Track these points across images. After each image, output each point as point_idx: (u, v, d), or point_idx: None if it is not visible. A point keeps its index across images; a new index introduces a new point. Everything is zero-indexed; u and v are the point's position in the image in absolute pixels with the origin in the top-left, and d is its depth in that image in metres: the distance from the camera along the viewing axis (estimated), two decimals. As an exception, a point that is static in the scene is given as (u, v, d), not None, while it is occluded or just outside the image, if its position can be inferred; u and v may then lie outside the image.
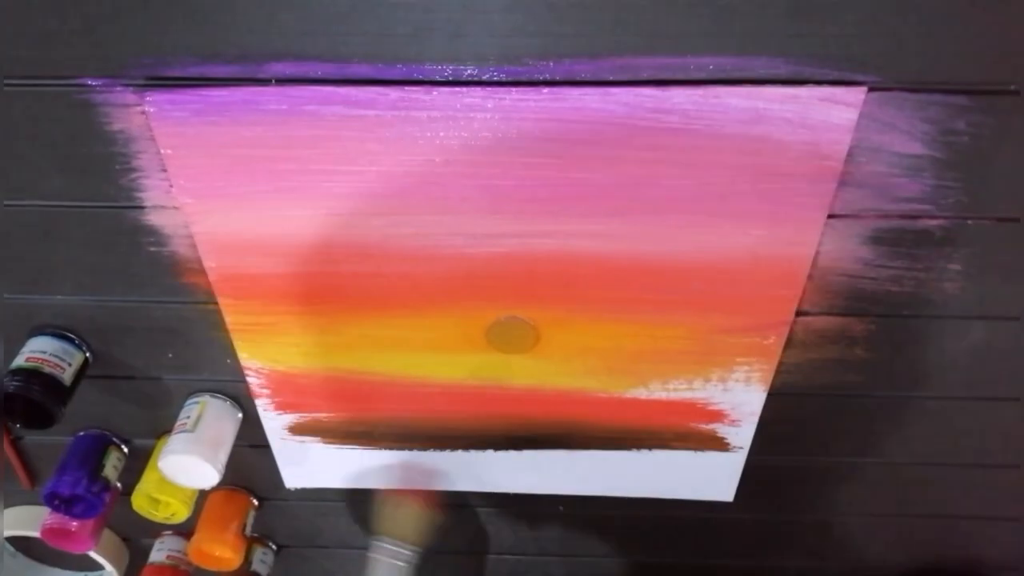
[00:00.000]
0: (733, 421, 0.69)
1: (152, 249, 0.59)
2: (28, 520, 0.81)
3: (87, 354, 0.66)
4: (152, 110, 0.50)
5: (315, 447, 0.75)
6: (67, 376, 0.64)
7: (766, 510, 0.81)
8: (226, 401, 0.71)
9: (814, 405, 0.69)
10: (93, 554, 0.83)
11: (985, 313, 0.61)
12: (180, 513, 0.74)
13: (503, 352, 0.64)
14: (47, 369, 0.63)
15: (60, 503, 0.71)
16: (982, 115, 0.49)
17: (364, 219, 0.55)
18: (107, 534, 0.86)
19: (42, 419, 0.63)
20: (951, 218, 0.54)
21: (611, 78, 0.48)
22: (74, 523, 0.76)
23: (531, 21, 0.46)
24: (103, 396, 0.71)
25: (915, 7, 0.44)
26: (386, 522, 0.74)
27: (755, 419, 0.69)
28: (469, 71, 0.48)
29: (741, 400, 0.67)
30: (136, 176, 0.54)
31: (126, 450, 0.76)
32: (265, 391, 0.69)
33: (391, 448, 0.75)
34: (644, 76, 0.48)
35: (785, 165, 0.51)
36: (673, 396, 0.67)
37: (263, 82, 0.49)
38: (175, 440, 0.68)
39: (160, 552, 0.86)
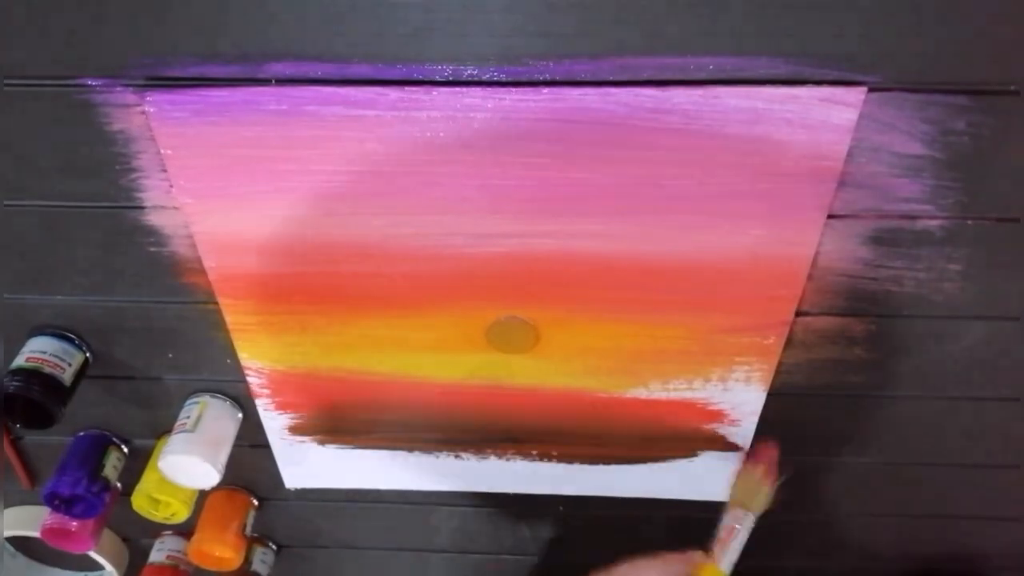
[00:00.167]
0: (733, 421, 0.69)
1: (152, 249, 0.59)
2: (28, 520, 0.81)
3: (87, 354, 0.66)
4: (152, 110, 0.50)
5: (315, 447, 0.75)
6: (67, 376, 0.64)
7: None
8: (226, 401, 0.71)
9: (814, 405, 0.69)
10: (93, 554, 0.83)
11: (985, 313, 0.60)
12: (180, 513, 0.74)
13: (503, 352, 0.64)
14: (47, 369, 0.63)
15: (60, 503, 0.71)
16: (982, 115, 0.49)
17: (364, 219, 0.55)
18: (107, 534, 0.86)
19: (42, 419, 0.63)
20: (951, 218, 0.54)
21: (611, 78, 0.48)
22: (74, 523, 0.76)
23: (531, 21, 0.46)
24: (103, 396, 0.71)
25: (915, 7, 0.44)
26: (740, 492, 0.70)
27: (755, 419, 0.69)
28: (469, 71, 0.48)
29: (741, 400, 0.67)
30: (136, 176, 0.54)
31: (126, 450, 0.76)
32: (265, 391, 0.69)
33: (391, 448, 0.75)
34: (644, 76, 0.47)
35: (785, 165, 0.51)
36: (673, 396, 0.67)
37: (263, 82, 0.48)
38: (175, 440, 0.68)
39: (160, 552, 0.86)
